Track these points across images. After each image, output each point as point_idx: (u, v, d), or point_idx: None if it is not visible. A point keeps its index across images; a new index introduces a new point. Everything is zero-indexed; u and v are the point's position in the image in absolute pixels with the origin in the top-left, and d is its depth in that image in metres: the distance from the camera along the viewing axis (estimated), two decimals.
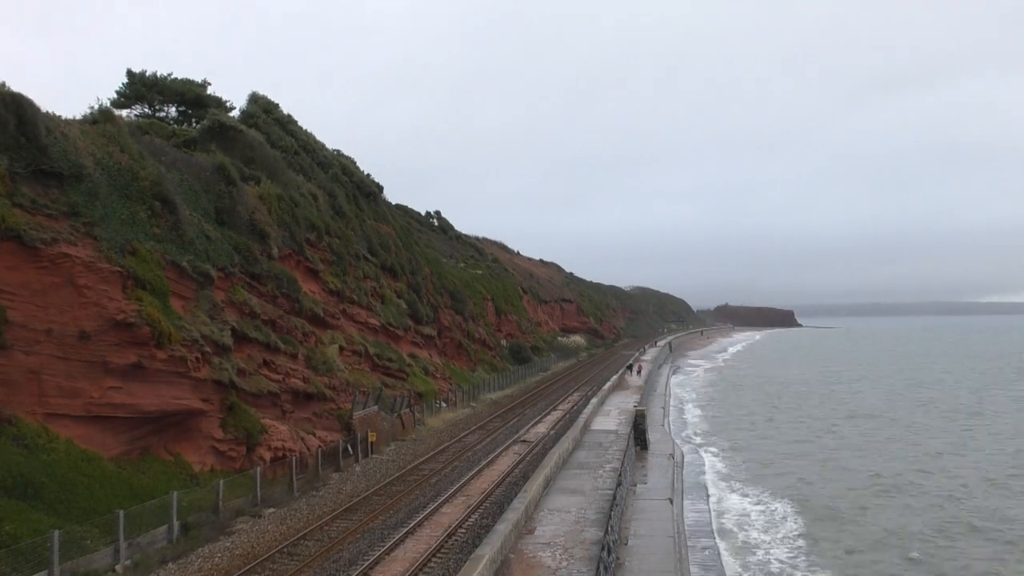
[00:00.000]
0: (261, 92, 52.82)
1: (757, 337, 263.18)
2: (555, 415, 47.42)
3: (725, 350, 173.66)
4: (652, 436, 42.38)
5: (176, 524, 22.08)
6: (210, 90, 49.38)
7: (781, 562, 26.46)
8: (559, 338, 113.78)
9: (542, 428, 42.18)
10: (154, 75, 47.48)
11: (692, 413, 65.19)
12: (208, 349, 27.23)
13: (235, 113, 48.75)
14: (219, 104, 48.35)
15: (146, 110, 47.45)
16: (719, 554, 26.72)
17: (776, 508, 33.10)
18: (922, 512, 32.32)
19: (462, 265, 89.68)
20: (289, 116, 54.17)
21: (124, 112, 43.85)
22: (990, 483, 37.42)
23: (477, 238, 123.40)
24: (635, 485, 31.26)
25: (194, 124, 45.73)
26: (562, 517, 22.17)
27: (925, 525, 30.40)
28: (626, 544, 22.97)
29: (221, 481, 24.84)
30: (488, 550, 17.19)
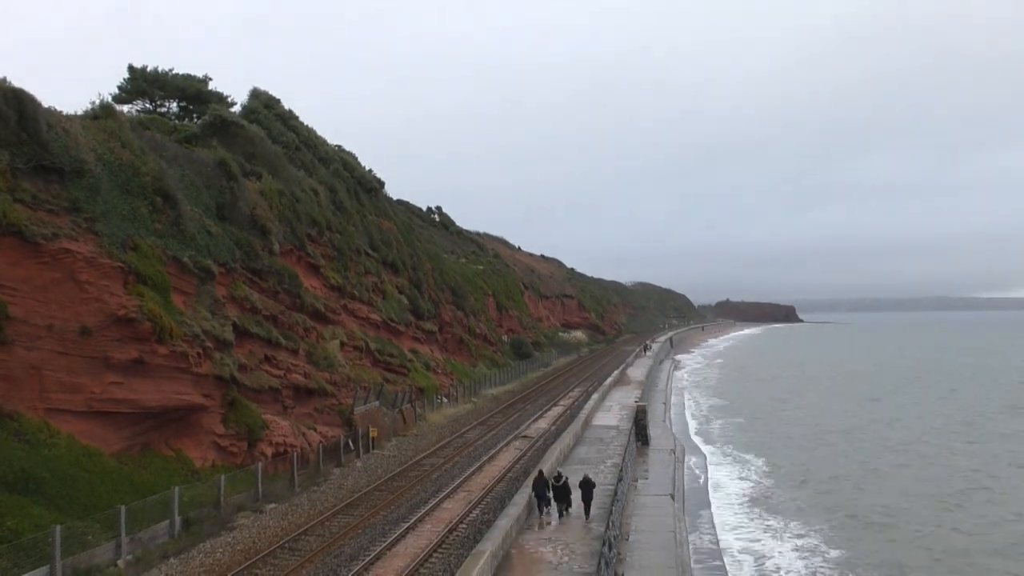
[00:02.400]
0: (262, 88, 52.85)
1: (758, 331, 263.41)
2: (556, 411, 47.38)
3: (723, 345, 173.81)
4: (653, 432, 42.39)
5: (177, 519, 22.13)
6: (211, 85, 49.37)
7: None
8: (560, 334, 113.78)
9: (543, 424, 42.16)
10: (155, 70, 47.42)
11: (691, 408, 65.15)
12: (209, 344, 27.24)
13: (236, 108, 48.73)
14: (220, 99, 48.27)
15: (147, 106, 47.38)
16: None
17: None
18: None
19: (463, 260, 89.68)
20: (290, 111, 54.16)
21: (125, 108, 43.80)
22: None
23: (478, 233, 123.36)
24: (636, 480, 31.24)
25: (195, 120, 45.66)
26: None
27: None
28: (627, 539, 22.97)
29: (222, 476, 24.88)
30: (490, 545, 17.21)
